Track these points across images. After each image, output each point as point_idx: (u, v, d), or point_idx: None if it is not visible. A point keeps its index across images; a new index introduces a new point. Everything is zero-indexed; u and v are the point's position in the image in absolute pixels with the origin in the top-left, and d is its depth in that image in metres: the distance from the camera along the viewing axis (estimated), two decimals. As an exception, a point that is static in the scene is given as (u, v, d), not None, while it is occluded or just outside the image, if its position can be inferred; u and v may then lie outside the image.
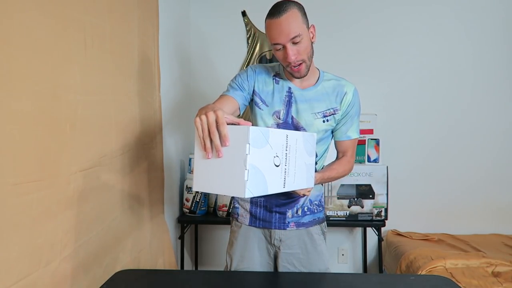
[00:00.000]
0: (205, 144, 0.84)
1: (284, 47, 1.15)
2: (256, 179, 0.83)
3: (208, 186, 0.87)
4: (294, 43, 1.14)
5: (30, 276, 0.91)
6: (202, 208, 2.35)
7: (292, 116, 1.27)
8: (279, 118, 1.28)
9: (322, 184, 1.39)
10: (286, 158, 0.94)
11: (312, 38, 1.21)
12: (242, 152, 0.81)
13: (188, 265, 2.58)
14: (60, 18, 1.02)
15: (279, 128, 1.28)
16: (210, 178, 0.86)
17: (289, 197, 1.30)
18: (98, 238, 1.25)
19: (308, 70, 1.22)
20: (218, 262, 2.66)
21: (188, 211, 2.33)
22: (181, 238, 2.30)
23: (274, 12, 1.13)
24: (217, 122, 0.83)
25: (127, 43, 1.48)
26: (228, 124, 0.85)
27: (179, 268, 2.30)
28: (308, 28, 1.18)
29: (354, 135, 1.32)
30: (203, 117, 0.85)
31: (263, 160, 0.85)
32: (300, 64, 1.18)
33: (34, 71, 0.92)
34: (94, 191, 1.22)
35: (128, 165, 1.49)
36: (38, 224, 0.94)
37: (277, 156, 0.90)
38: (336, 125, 1.31)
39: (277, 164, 0.90)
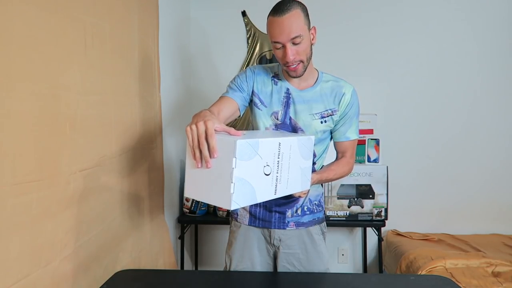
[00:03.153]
0: (195, 154, 0.86)
1: (284, 46, 1.15)
2: (243, 190, 0.84)
3: (198, 194, 0.89)
4: (294, 44, 1.14)
5: (30, 276, 0.91)
6: (202, 208, 2.36)
7: (290, 117, 1.27)
8: (277, 119, 1.28)
9: (321, 184, 1.39)
10: (278, 166, 0.94)
11: (312, 39, 1.21)
12: (229, 165, 0.81)
13: (188, 265, 2.58)
14: (60, 18, 1.02)
15: (278, 128, 1.28)
16: (199, 186, 0.88)
17: (288, 197, 1.30)
18: (98, 238, 1.25)
19: (305, 71, 1.22)
20: (218, 262, 2.66)
21: (188, 211, 2.33)
22: (181, 238, 2.31)
23: (277, 10, 1.12)
24: (206, 133, 0.84)
25: (127, 43, 1.48)
26: (219, 131, 0.86)
27: (179, 268, 2.30)
28: (309, 29, 1.18)
29: (353, 136, 1.32)
30: (193, 127, 0.86)
31: (252, 171, 0.86)
32: (298, 64, 1.18)
33: (34, 71, 0.92)
34: (94, 191, 1.22)
35: (128, 165, 1.49)
36: (38, 224, 0.94)
37: (267, 165, 0.91)
38: (335, 126, 1.30)
39: (268, 173, 0.91)
